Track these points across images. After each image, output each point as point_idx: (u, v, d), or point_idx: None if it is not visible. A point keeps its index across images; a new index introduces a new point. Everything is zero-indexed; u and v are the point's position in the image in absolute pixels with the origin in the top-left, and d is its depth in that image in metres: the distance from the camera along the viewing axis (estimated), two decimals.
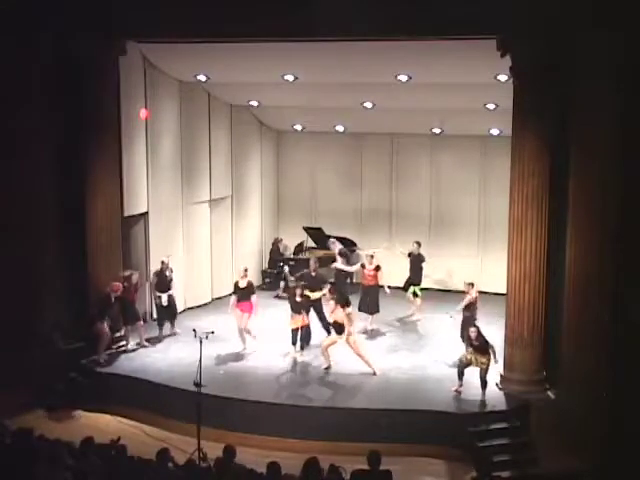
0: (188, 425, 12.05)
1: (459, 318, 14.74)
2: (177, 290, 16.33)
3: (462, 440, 12.20)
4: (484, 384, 12.98)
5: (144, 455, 9.21)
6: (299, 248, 19.89)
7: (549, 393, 13.05)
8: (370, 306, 16.12)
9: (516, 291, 13.03)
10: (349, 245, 19.23)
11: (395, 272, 17.18)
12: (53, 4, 13.90)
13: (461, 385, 13.14)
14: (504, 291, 13.52)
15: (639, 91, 11.70)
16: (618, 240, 11.93)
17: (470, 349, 13.19)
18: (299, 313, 14.63)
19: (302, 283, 15.14)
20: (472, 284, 14.85)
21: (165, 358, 14.78)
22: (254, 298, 15.08)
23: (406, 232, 18.64)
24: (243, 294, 15.02)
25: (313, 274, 15.71)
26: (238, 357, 14.75)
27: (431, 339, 15.87)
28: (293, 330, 14.72)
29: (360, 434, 12.10)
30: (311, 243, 19.79)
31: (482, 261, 18.79)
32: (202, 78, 16.24)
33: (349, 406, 12.86)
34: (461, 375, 13.14)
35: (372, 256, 16.21)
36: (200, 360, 11.91)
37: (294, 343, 14.70)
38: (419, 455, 12.16)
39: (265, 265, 20.09)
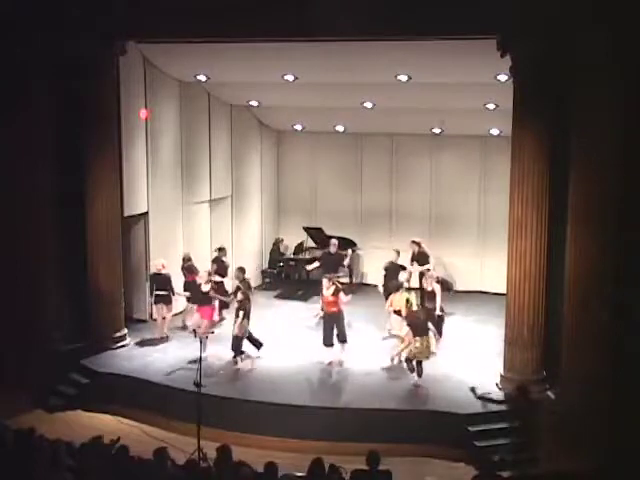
0: (188, 425, 12.05)
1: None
2: (178, 289, 16.29)
3: (462, 440, 12.20)
4: (410, 367, 13.31)
5: (144, 455, 9.20)
6: (299, 248, 19.91)
7: (549, 393, 13.05)
8: (338, 336, 14.40)
9: (516, 291, 13.02)
10: (349, 245, 19.28)
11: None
12: (53, 4, 13.91)
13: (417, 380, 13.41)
14: (504, 291, 13.51)
15: (639, 91, 11.70)
16: (618, 240, 11.93)
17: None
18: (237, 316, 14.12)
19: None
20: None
21: (165, 358, 14.77)
22: (216, 303, 14.90)
23: (406, 232, 18.63)
24: (204, 298, 14.89)
25: (239, 285, 14.89)
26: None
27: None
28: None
29: (360, 434, 12.09)
30: (311, 243, 19.79)
31: (482, 261, 18.80)
32: (202, 78, 16.25)
33: (349, 406, 12.86)
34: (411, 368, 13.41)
35: (330, 279, 14.59)
36: (200, 360, 11.93)
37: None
38: (419, 455, 12.16)
39: (265, 265, 20.11)
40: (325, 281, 14.55)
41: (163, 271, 15.43)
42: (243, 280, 14.58)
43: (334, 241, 17.74)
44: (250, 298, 14.33)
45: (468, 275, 18.84)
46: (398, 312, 14.22)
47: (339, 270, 17.40)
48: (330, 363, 14.32)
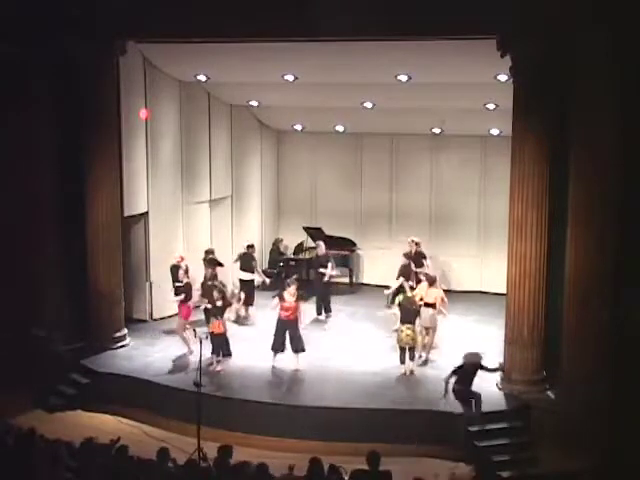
0: (188, 425, 12.06)
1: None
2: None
3: (462, 440, 12.20)
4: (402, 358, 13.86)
5: (144, 455, 9.21)
6: (299, 248, 19.92)
7: (549, 393, 13.05)
8: (293, 344, 14.08)
9: (516, 291, 13.02)
10: (349, 245, 19.29)
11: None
12: (53, 4, 13.91)
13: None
14: (504, 291, 13.52)
15: (639, 91, 11.71)
16: (618, 240, 11.93)
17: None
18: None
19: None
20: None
21: (165, 358, 14.77)
22: (191, 301, 14.79)
23: (406, 232, 18.61)
24: (183, 296, 14.87)
25: (209, 283, 14.99)
26: (236, 357, 14.72)
27: None
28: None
29: (360, 434, 12.10)
30: (311, 243, 19.79)
31: (482, 261, 18.79)
32: (202, 78, 16.25)
33: (349, 406, 12.85)
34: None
35: (297, 286, 14.36)
36: (200, 360, 11.93)
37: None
38: (419, 455, 12.16)
39: (265, 265, 20.10)
40: (292, 287, 14.13)
41: (182, 263, 15.56)
42: (218, 282, 15.09)
43: (319, 243, 17.70)
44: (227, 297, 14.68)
45: (468, 275, 18.83)
46: (431, 305, 14.29)
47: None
48: (273, 367, 14.11)
